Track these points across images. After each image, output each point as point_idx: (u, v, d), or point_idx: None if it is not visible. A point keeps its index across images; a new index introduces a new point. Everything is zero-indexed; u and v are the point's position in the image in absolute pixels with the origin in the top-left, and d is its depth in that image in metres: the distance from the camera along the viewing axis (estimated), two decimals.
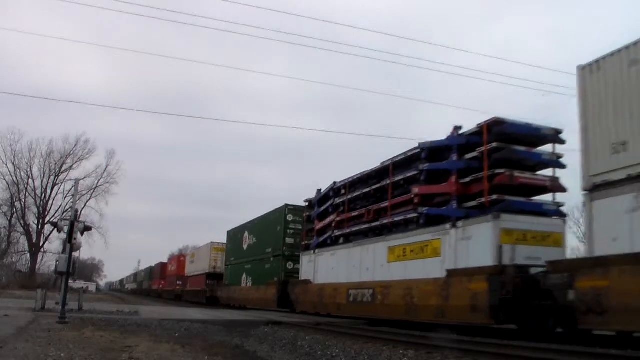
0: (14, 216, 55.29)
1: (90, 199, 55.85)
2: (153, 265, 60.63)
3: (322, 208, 18.19)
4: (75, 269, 15.06)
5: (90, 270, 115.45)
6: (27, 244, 56.04)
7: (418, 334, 10.76)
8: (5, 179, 53.99)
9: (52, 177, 56.17)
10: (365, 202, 15.70)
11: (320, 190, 18.77)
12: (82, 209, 51.94)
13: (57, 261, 13.84)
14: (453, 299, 11.02)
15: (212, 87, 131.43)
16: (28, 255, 56.85)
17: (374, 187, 15.18)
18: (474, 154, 11.82)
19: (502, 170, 10.97)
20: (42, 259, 56.92)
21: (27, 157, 55.15)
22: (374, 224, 14.91)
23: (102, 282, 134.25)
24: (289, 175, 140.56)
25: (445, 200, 12.36)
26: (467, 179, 11.89)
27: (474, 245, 11.06)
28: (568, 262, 9.69)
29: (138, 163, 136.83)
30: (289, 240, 21.28)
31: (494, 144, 11.24)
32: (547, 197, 11.51)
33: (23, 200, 55.08)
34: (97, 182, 56.44)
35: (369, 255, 14.82)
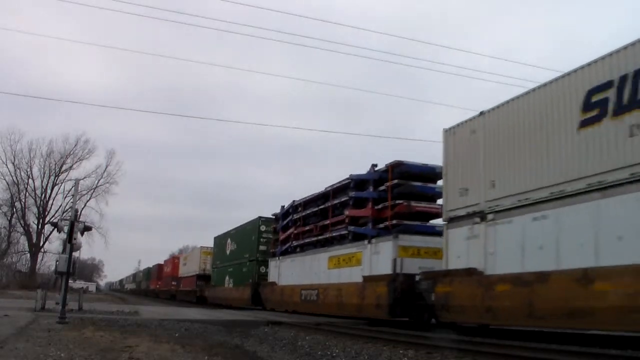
0: (14, 216, 55.34)
1: (90, 199, 55.93)
2: (150, 266, 62.86)
3: (285, 222, 21.26)
4: (75, 269, 15.06)
5: (90, 270, 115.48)
6: (27, 244, 56.06)
7: (418, 334, 10.77)
8: (5, 179, 54.06)
9: (52, 177, 56.25)
10: (315, 219, 18.85)
11: (283, 206, 21.78)
12: (82, 209, 52.01)
13: (57, 261, 13.84)
14: (366, 299, 14.29)
15: (212, 87, 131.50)
16: (28, 255, 56.91)
17: (320, 207, 18.55)
18: (383, 187, 14.93)
19: (401, 201, 14.17)
20: (42, 259, 57.03)
21: (27, 157, 55.22)
22: (320, 237, 18.09)
23: (102, 282, 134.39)
24: (289, 175, 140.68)
25: (365, 222, 15.42)
26: (379, 206, 14.99)
27: (381, 258, 14.22)
28: (432, 273, 12.25)
29: (138, 163, 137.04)
30: (261, 248, 24.14)
31: (396, 181, 14.45)
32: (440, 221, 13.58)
33: (23, 200, 55.15)
34: (97, 182, 56.52)
35: (315, 263, 18.01)
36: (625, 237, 7.87)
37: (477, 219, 10.97)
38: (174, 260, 46.98)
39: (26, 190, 55.32)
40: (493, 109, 11.27)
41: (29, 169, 55.42)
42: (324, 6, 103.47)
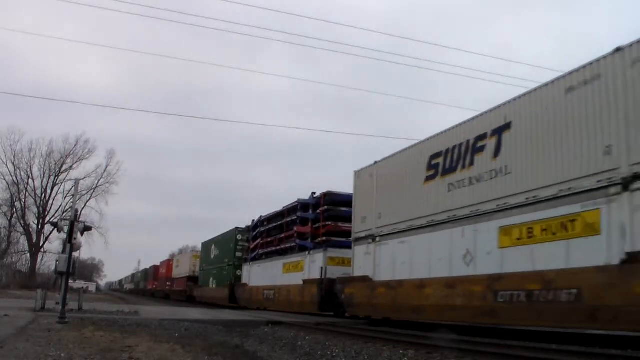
0: (14, 216, 55.35)
1: (90, 199, 55.96)
2: (148, 267, 66.59)
3: (254, 233, 25.45)
4: (75, 269, 15.05)
5: (90, 270, 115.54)
6: (27, 244, 56.07)
7: (418, 334, 10.77)
8: (5, 179, 54.08)
9: (52, 177, 56.27)
10: (275, 232, 23.02)
11: (254, 220, 25.88)
12: (82, 209, 52.03)
13: (57, 261, 13.83)
14: (305, 297, 18.64)
15: (213, 87, 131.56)
16: (28, 255, 56.91)
17: (278, 223, 22.78)
18: (319, 210, 19.07)
19: (330, 222, 18.42)
20: (42, 259, 57.04)
21: (27, 157, 55.25)
22: (278, 247, 22.30)
23: (102, 282, 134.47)
24: (290, 175, 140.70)
25: (307, 237, 19.49)
26: (316, 225, 19.11)
27: (316, 265, 18.43)
28: (343, 279, 16.29)
29: (138, 163, 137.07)
30: (238, 254, 28.02)
31: (326, 207, 18.75)
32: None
33: (23, 200, 55.17)
34: (97, 182, 56.56)
35: (275, 268, 22.25)
36: (443, 259, 11.79)
37: (370, 240, 14.88)
38: (168, 262, 50.13)
39: (26, 190, 55.40)
40: (382, 160, 15.13)
41: (29, 169, 55.50)
42: (325, 6, 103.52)
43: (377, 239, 14.58)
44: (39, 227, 55.61)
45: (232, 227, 29.17)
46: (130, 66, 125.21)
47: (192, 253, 40.77)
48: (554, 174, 9.49)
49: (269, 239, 23.49)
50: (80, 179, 45.97)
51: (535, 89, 10.44)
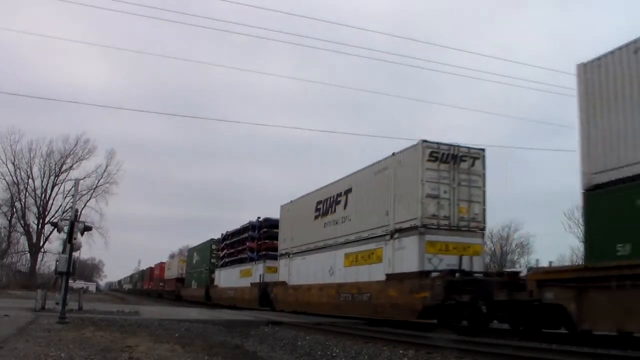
0: (14, 216, 55.25)
1: (90, 199, 55.81)
2: (144, 269, 72.23)
3: (223, 244, 31.56)
4: (75, 269, 15.04)
5: (90, 270, 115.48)
6: (27, 244, 55.98)
7: (418, 334, 10.77)
8: (5, 179, 53.97)
9: (52, 177, 56.15)
10: (236, 244, 28.69)
11: (223, 233, 32.03)
12: (82, 209, 51.90)
13: (57, 261, 13.82)
14: (252, 296, 24.41)
15: (215, 87, 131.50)
16: (28, 255, 56.80)
17: (238, 238, 28.60)
18: (261, 231, 25.36)
19: (268, 240, 24.36)
20: (42, 259, 56.89)
21: (27, 157, 55.11)
22: (237, 257, 28.51)
23: (102, 282, 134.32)
24: (290, 175, 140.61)
25: (254, 251, 25.80)
26: (260, 242, 25.24)
27: (258, 272, 24.55)
28: (272, 283, 22.45)
29: (139, 163, 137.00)
30: (212, 260, 34.01)
31: (265, 229, 24.97)
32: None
33: (23, 200, 55.07)
34: (97, 182, 56.40)
35: (234, 273, 28.57)
36: (320, 271, 17.97)
37: (287, 256, 21.13)
38: (161, 265, 56.00)
39: (26, 190, 55.30)
40: (295, 200, 21.65)
41: (29, 169, 55.39)
42: (326, 6, 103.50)
43: (291, 255, 20.93)
44: (39, 227, 55.59)
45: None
46: (131, 66, 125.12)
47: (179, 258, 46.96)
48: (367, 224, 15.54)
49: (231, 250, 29.58)
50: (80, 179, 45.97)
51: (364, 168, 16.47)
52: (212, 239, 34.42)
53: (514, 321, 11.36)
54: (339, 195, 17.34)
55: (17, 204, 54.76)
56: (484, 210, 13.80)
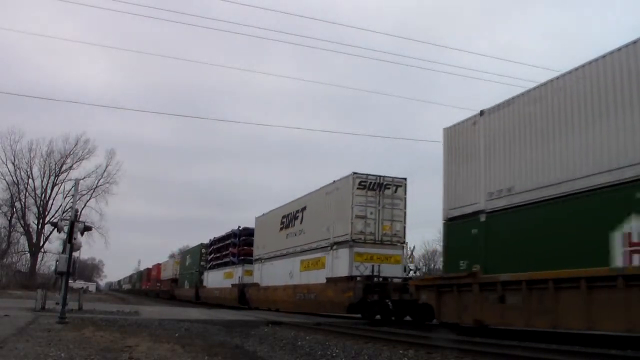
0: (14, 216, 55.29)
1: (90, 199, 55.91)
2: (142, 270, 76.05)
3: (210, 249, 34.85)
4: (75, 269, 15.05)
5: (90, 270, 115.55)
6: (27, 244, 56.02)
7: (418, 334, 10.78)
8: (5, 179, 54.02)
9: (52, 177, 56.22)
10: (221, 249, 31.98)
11: (211, 239, 35.14)
12: (82, 209, 51.94)
13: (57, 261, 13.82)
14: (232, 295, 27.47)
15: (217, 87, 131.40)
16: (28, 255, 56.85)
17: (222, 243, 31.94)
18: (240, 238, 28.63)
19: (246, 247, 27.40)
20: (42, 259, 56.95)
21: (27, 157, 55.18)
22: (222, 261, 31.91)
23: (102, 282, 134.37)
24: (292, 175, 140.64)
25: (235, 255, 28.98)
26: (239, 248, 28.30)
27: (237, 274, 27.90)
28: (249, 284, 25.60)
29: (139, 163, 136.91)
30: (202, 263, 36.84)
31: (243, 237, 28.19)
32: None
33: (23, 200, 55.11)
34: (97, 182, 56.50)
35: (219, 275, 31.89)
36: (283, 274, 21.34)
37: (260, 261, 24.56)
38: (158, 266, 58.41)
39: (26, 190, 55.35)
40: (267, 212, 24.97)
41: (29, 169, 55.44)
42: (327, 6, 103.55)
43: (262, 260, 24.30)
44: (39, 227, 55.62)
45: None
46: (132, 66, 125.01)
47: (174, 260, 50.08)
48: (316, 237, 18.95)
49: (217, 254, 32.71)
50: (80, 179, 45.94)
51: (316, 190, 19.80)
52: (202, 244, 37.91)
53: (413, 315, 14.87)
54: (297, 211, 21.18)
55: (17, 204, 54.87)
56: (404, 227, 17.26)
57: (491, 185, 10.83)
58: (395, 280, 15.74)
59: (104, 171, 56.42)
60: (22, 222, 55.48)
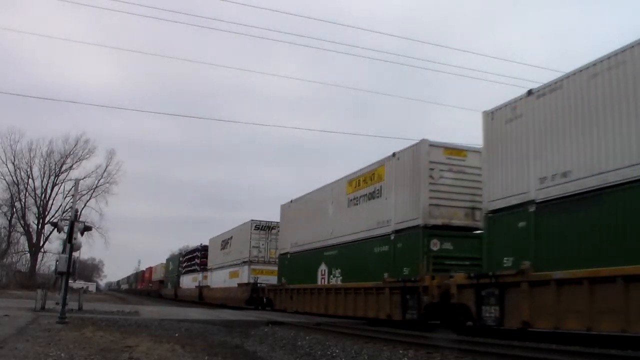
0: (14, 216, 55.22)
1: (90, 199, 55.83)
2: (138, 271, 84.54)
3: (185, 257, 43.35)
4: (75, 269, 15.05)
5: (90, 270, 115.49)
6: (27, 244, 55.97)
7: (418, 334, 10.77)
8: (5, 179, 53.95)
9: (52, 177, 56.13)
10: (192, 259, 40.00)
11: (181, 250, 47.31)
12: (82, 209, 51.92)
13: (57, 261, 13.82)
14: (195, 294, 36.19)
15: (219, 88, 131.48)
16: (28, 255, 56.79)
17: (191, 255, 40.49)
18: (203, 252, 37.47)
19: (205, 259, 36.15)
20: (42, 259, 56.89)
21: (27, 157, 55.10)
22: (191, 268, 39.42)
23: (102, 282, 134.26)
24: (293, 175, 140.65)
25: (200, 264, 36.98)
26: (202, 259, 37.00)
27: (199, 279, 36.64)
28: (204, 286, 35.09)
29: (139, 163, 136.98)
30: (180, 268, 44.03)
31: (204, 251, 37.16)
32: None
33: (23, 200, 55.04)
34: (97, 182, 56.45)
35: (189, 278, 39.96)
36: (221, 280, 30.87)
37: (210, 270, 34.00)
38: (150, 269, 65.97)
39: (26, 190, 55.28)
40: (215, 236, 34.15)
41: (29, 169, 55.38)
42: (332, 8, 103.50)
43: (212, 270, 33.61)
44: (39, 227, 55.57)
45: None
46: (133, 66, 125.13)
47: (162, 264, 56.49)
48: (235, 257, 28.92)
49: (189, 263, 41.00)
50: (80, 179, 46.01)
51: (237, 227, 29.23)
52: (180, 253, 50.37)
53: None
54: (228, 239, 30.79)
55: (17, 204, 54.78)
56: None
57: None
58: (269, 285, 23.44)
59: (104, 171, 56.44)
60: (22, 222, 55.47)
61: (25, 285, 43.71)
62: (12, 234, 55.59)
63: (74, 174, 53.92)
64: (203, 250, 36.98)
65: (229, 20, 63.79)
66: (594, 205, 8.56)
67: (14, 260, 58.17)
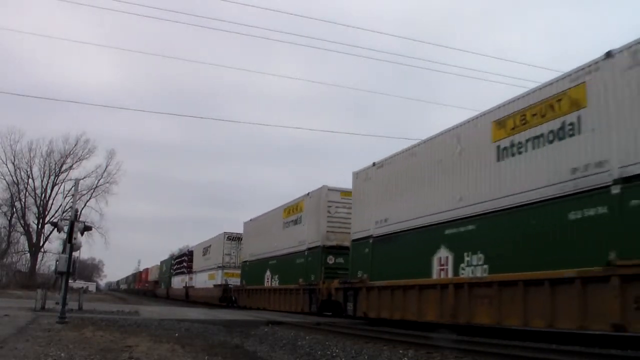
0: (14, 216, 55.30)
1: (90, 198, 55.94)
2: (136, 272, 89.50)
3: (175, 261, 47.69)
4: (75, 269, 15.03)
5: (90, 270, 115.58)
6: (27, 244, 56.01)
7: (418, 333, 10.77)
8: (5, 179, 54.01)
9: (52, 177, 56.23)
10: (182, 262, 43.79)
11: (173, 254, 52.99)
12: (82, 208, 51.98)
13: (57, 261, 13.80)
14: (183, 293, 41.14)
15: (218, 88, 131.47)
16: (28, 255, 56.84)
17: (181, 259, 45.29)
18: (189, 257, 42.01)
19: (191, 262, 40.60)
20: (42, 259, 56.96)
21: (27, 157, 55.20)
22: (181, 270, 43.55)
23: (102, 282, 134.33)
24: (294, 175, 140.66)
25: (187, 267, 41.22)
26: (188, 262, 40.93)
27: (186, 280, 41.47)
28: (190, 286, 40.38)
29: (139, 163, 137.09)
30: (171, 270, 48.17)
31: (190, 255, 41.55)
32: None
33: (23, 200, 55.10)
34: (97, 182, 56.55)
35: (179, 279, 44.52)
36: (202, 281, 35.94)
37: (195, 272, 38.57)
38: (147, 270, 71.33)
39: (26, 190, 55.34)
40: (197, 244, 40.45)
41: (29, 169, 55.45)
42: (333, 8, 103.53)
43: (195, 272, 37.97)
44: (39, 227, 55.62)
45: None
46: (134, 66, 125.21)
47: (157, 266, 60.20)
48: (213, 263, 34.07)
49: (178, 266, 45.26)
50: (80, 179, 46.07)
51: (215, 237, 34.39)
52: (171, 256, 54.33)
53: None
54: (208, 247, 35.55)
55: (17, 204, 54.86)
56: None
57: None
58: (235, 286, 28.62)
59: (104, 171, 56.59)
60: (22, 222, 55.52)
61: (25, 285, 43.72)
62: (12, 233, 55.68)
63: (74, 173, 54.06)
64: (190, 255, 41.75)
65: (230, 20, 63.72)
66: (394, 241, 13.63)
67: (14, 260, 58.21)
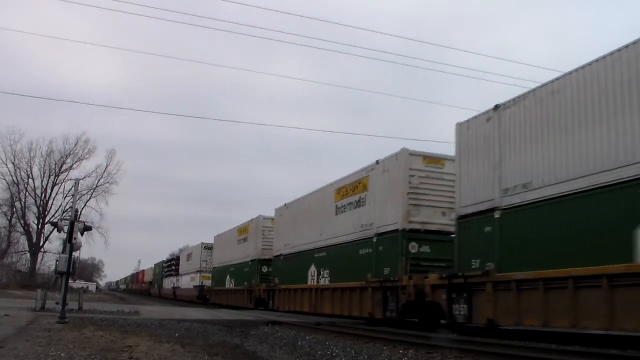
0: (14, 216, 55.22)
1: (90, 198, 55.87)
2: (134, 273, 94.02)
3: (166, 264, 51.97)
4: (75, 269, 15.04)
5: (90, 270, 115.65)
6: (27, 244, 55.95)
7: (418, 333, 10.77)
8: (5, 179, 53.92)
9: (52, 177, 56.14)
10: (172, 265, 48.27)
11: (164, 259, 56.20)
12: (82, 208, 51.93)
13: (57, 261, 13.80)
14: (170, 292, 47.76)
15: (219, 88, 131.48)
16: (28, 255, 56.76)
17: (170, 262, 50.52)
18: (177, 260, 48.08)
19: (179, 265, 45.80)
20: (42, 259, 56.84)
21: (27, 157, 55.09)
22: (170, 272, 48.65)
23: (102, 282, 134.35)
24: (295, 175, 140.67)
25: (176, 269, 46.05)
26: (176, 266, 46.25)
27: (174, 281, 46.90)
28: (177, 287, 46.24)
29: (139, 163, 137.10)
30: (163, 272, 52.68)
31: (178, 259, 47.76)
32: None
33: (23, 200, 55.03)
34: (97, 182, 56.49)
35: (169, 281, 49.06)
36: (188, 282, 40.51)
37: (180, 275, 44.31)
38: (143, 272, 77.10)
39: (26, 190, 55.27)
40: (184, 250, 52.70)
41: (29, 169, 55.37)
42: (333, 8, 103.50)
43: (181, 275, 42.99)
44: (39, 227, 55.55)
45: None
46: (135, 66, 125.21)
47: (152, 268, 64.98)
48: (193, 267, 39.57)
49: (168, 268, 49.65)
50: (80, 179, 46.02)
51: (194, 245, 41.84)
52: (163, 260, 57.15)
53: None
54: (190, 254, 40.56)
55: (17, 204, 54.78)
56: None
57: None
58: (208, 286, 33.79)
59: (104, 171, 56.49)
60: (22, 222, 55.46)
61: (25, 285, 43.72)
62: (12, 233, 55.58)
63: (74, 173, 53.98)
64: (177, 259, 47.87)
65: (230, 20, 63.64)
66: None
67: (14, 260, 58.09)
